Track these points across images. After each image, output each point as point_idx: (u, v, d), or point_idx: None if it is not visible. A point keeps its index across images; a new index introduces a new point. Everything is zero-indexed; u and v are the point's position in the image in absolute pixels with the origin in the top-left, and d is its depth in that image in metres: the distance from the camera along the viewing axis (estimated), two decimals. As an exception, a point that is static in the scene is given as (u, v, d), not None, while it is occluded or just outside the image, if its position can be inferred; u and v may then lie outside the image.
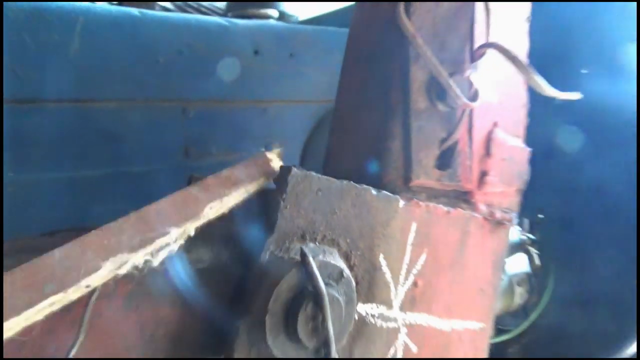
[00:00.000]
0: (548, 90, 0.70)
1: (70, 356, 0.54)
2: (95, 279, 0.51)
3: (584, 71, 1.47)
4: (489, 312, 0.91)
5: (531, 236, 1.90)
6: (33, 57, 1.04)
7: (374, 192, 0.71)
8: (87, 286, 0.50)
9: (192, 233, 0.58)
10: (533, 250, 1.93)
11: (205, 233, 0.68)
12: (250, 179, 0.63)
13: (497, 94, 0.85)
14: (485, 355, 0.92)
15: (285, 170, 0.63)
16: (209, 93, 1.29)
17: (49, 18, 1.05)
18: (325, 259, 0.64)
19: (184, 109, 1.25)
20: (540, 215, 1.86)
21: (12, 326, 0.46)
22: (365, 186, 0.70)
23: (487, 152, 0.84)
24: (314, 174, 0.65)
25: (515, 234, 1.91)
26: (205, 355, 0.64)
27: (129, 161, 1.16)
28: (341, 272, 0.65)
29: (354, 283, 0.68)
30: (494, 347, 1.98)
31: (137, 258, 0.53)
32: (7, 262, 0.53)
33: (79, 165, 1.10)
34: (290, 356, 0.62)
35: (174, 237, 0.56)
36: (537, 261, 1.89)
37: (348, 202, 0.68)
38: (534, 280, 1.86)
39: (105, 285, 0.58)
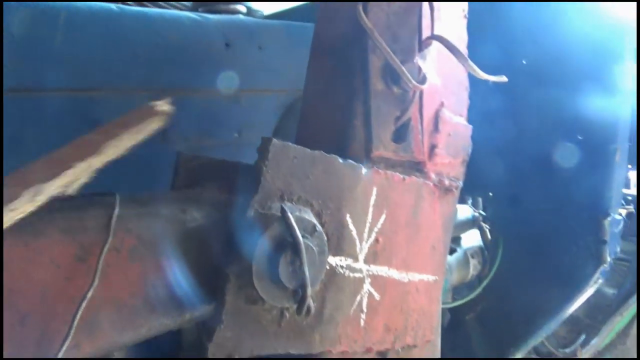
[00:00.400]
0: (481, 74, 0.84)
1: (87, 298, 0.64)
2: (19, 203, 0.60)
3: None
4: (441, 267, 1.06)
5: (483, 213, 2.09)
6: (18, 50, 1.10)
7: (340, 160, 0.83)
8: (15, 209, 0.59)
9: (98, 166, 0.67)
10: (485, 226, 2.12)
11: (199, 200, 0.80)
12: (141, 121, 0.72)
13: (442, 79, 0.99)
14: (439, 305, 1.07)
15: (266, 140, 0.75)
16: (185, 83, 1.38)
17: (34, 14, 1.12)
18: (301, 215, 0.77)
19: (160, 98, 1.33)
20: (490, 194, 2.04)
21: None
22: (333, 155, 0.83)
23: (436, 128, 0.99)
24: (290, 144, 0.77)
25: (469, 211, 2.09)
26: (196, 300, 0.75)
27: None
28: (314, 227, 0.78)
29: (325, 237, 0.81)
30: (452, 314, 2.17)
31: (51, 188, 0.63)
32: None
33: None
34: (275, 297, 0.74)
35: (79, 171, 0.65)
36: (488, 235, 2.08)
37: (319, 168, 0.80)
38: (486, 253, 2.05)
39: (113, 241, 0.68)
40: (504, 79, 0.88)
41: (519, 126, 1.68)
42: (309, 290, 0.74)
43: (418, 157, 0.96)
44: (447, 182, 1.02)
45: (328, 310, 0.85)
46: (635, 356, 2.01)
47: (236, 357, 0.75)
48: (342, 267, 0.86)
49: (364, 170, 0.86)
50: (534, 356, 2.13)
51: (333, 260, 0.85)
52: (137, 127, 0.72)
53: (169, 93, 1.38)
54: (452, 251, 1.75)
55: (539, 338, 1.92)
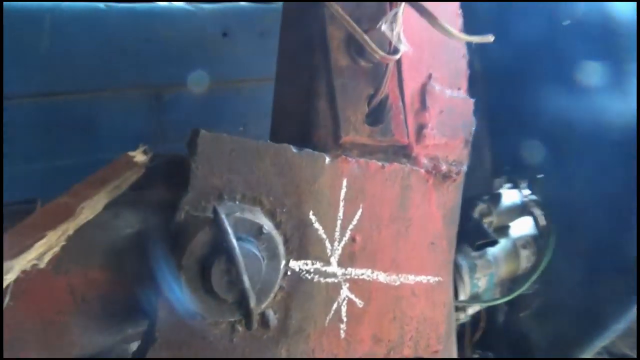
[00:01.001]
0: (458, 35, 0.69)
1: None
2: None
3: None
4: (445, 266, 0.91)
5: (533, 197, 1.86)
6: (6, 56, 1.10)
7: (294, 150, 0.72)
8: None
9: (70, 232, 0.62)
10: (537, 211, 1.89)
11: (137, 202, 0.72)
12: (117, 176, 0.67)
13: (428, 47, 0.84)
14: (447, 309, 0.93)
15: (194, 132, 0.65)
16: (180, 78, 1.33)
17: (18, 17, 1.11)
18: (243, 215, 0.67)
19: (157, 95, 1.30)
20: (539, 175, 1.81)
21: None
22: (285, 145, 0.72)
23: (423, 105, 0.84)
24: (225, 135, 0.67)
25: (517, 196, 1.87)
26: (135, 315, 0.68)
27: (106, 149, 1.21)
28: (260, 228, 0.67)
29: (278, 239, 0.70)
30: (504, 315, 1.96)
31: (22, 263, 0.58)
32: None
33: (54, 156, 1.16)
34: (211, 310, 0.65)
35: (54, 239, 0.61)
36: (542, 222, 1.85)
37: (266, 161, 0.70)
38: (540, 242, 1.82)
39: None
40: (489, 38, 0.71)
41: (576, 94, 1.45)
42: (252, 301, 0.64)
43: (401, 140, 0.82)
44: (444, 167, 0.87)
45: (295, 321, 0.75)
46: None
47: (177, 378, 0.67)
48: (308, 272, 0.75)
49: (327, 159, 0.75)
50: (605, 357, 1.87)
51: (296, 264, 0.74)
52: (114, 183, 0.66)
53: (165, 90, 1.34)
54: (493, 243, 1.56)
55: (608, 337, 1.67)
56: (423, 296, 0.87)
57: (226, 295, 0.63)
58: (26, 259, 0.58)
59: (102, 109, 1.24)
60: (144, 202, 0.71)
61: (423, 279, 0.87)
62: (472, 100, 0.90)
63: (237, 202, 0.68)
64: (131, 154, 0.71)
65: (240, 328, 0.70)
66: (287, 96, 0.86)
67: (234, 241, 0.62)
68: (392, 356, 0.85)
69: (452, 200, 0.90)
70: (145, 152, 0.70)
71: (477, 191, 1.76)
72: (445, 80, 0.87)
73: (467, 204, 1.68)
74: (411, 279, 0.86)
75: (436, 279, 0.89)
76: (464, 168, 0.90)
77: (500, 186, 1.80)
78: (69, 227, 0.61)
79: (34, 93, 1.16)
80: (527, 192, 1.94)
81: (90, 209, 0.63)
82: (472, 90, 0.92)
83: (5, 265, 0.57)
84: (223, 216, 0.63)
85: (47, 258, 0.60)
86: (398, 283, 0.84)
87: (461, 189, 0.92)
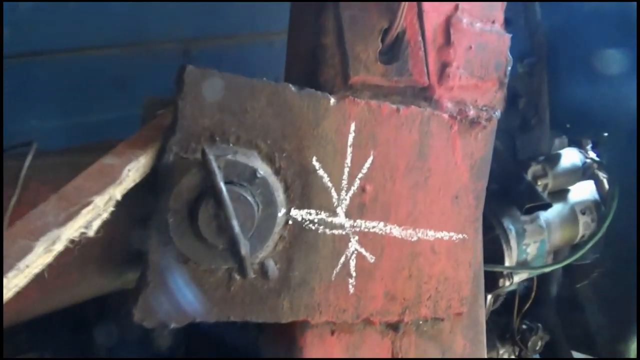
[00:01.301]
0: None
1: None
2: (31, 259, 0.51)
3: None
4: (471, 222, 0.83)
5: (596, 158, 1.69)
6: (34, 12, 1.12)
7: (293, 89, 0.66)
8: (27, 266, 0.51)
9: (118, 197, 0.58)
10: (601, 175, 1.72)
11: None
12: (156, 135, 0.63)
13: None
14: (473, 270, 0.85)
15: (180, 69, 0.61)
16: (210, 30, 1.29)
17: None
18: (235, 158, 0.62)
19: (185, 49, 1.28)
20: (604, 134, 1.64)
21: None
22: (283, 83, 0.66)
23: (447, 40, 0.74)
24: (215, 71, 0.63)
25: (578, 156, 1.71)
26: (135, 259, 0.67)
27: (138, 103, 1.22)
28: (254, 172, 0.63)
29: (276, 185, 0.66)
30: (558, 285, 1.83)
31: (69, 232, 0.54)
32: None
33: (87, 111, 1.18)
34: (201, 256, 0.62)
35: (101, 205, 0.56)
36: (605, 186, 1.69)
37: (262, 100, 0.65)
38: (603, 208, 1.66)
39: (25, 194, 0.62)
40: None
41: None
42: (244, 248, 0.60)
43: (419, 80, 0.73)
44: (472, 112, 0.78)
45: (298, 273, 0.71)
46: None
47: (172, 324, 0.65)
48: (312, 222, 0.70)
49: (332, 101, 0.68)
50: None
51: (299, 213, 0.69)
52: (154, 144, 0.63)
53: (194, 43, 1.32)
54: (545, 207, 1.43)
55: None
56: (444, 254, 0.80)
57: (216, 241, 0.60)
58: (73, 227, 0.53)
59: (132, 63, 1.24)
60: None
61: (444, 235, 0.80)
62: (508, 36, 0.79)
63: (231, 145, 0.64)
64: (163, 111, 0.67)
65: (237, 277, 0.67)
66: (297, 35, 0.79)
67: (222, 183, 0.58)
68: (407, 315, 0.79)
69: (482, 150, 0.80)
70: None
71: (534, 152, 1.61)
72: (476, 11, 0.76)
73: (520, 165, 1.56)
74: (430, 234, 0.79)
75: (460, 236, 0.81)
76: (497, 114, 0.80)
77: (561, 146, 1.64)
78: (116, 192, 0.57)
79: (66, 49, 1.18)
80: (592, 154, 1.76)
81: (136, 171, 0.59)
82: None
83: (52, 234, 0.52)
84: (211, 157, 0.59)
85: (95, 226, 0.56)
86: (415, 239, 0.78)
87: (493, 138, 0.82)
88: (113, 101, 1.23)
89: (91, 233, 0.55)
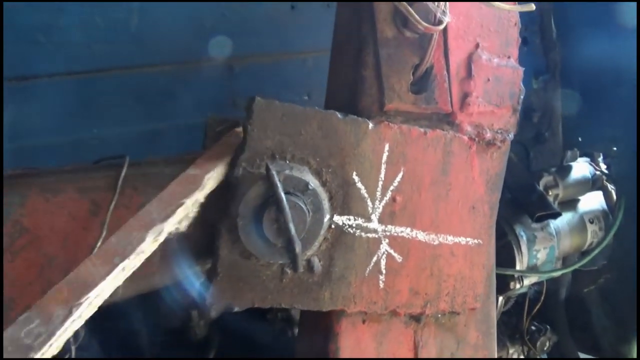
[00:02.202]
0: (499, 4, 0.71)
1: (97, 247, 0.74)
2: (145, 246, 0.66)
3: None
4: (486, 230, 0.95)
5: (605, 170, 1.79)
6: (102, 34, 1.27)
7: (339, 115, 0.80)
8: (142, 252, 0.66)
9: (202, 200, 0.73)
10: (609, 186, 1.82)
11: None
12: (231, 151, 0.76)
13: (477, 16, 0.86)
14: (487, 271, 0.97)
15: (250, 99, 0.75)
16: (251, 49, 1.43)
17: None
18: (291, 173, 0.76)
19: (229, 66, 1.42)
20: (614, 148, 1.74)
21: (98, 293, 0.61)
22: (330, 111, 0.79)
23: (469, 73, 0.87)
24: (277, 101, 0.76)
25: (588, 169, 1.81)
26: (204, 255, 0.80)
27: (187, 115, 1.37)
28: (306, 185, 0.77)
29: (323, 195, 0.79)
30: (567, 290, 1.93)
31: (169, 226, 0.69)
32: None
33: (142, 121, 1.33)
34: (263, 252, 0.76)
35: (190, 206, 0.71)
36: (613, 197, 1.79)
37: (314, 125, 0.78)
38: (609, 217, 1.76)
39: (120, 198, 0.77)
40: (532, 7, 0.73)
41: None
42: (298, 247, 0.74)
43: (444, 107, 0.86)
44: (488, 135, 0.90)
45: (338, 269, 0.84)
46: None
47: (236, 307, 0.79)
48: (351, 226, 0.84)
49: (370, 125, 0.81)
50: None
51: (340, 219, 0.83)
52: (229, 157, 0.77)
53: (237, 61, 1.46)
54: (555, 215, 1.54)
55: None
56: (461, 256, 0.93)
57: (276, 240, 0.74)
58: (172, 223, 0.69)
59: (182, 79, 1.38)
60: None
61: (462, 240, 0.92)
62: (521, 69, 0.91)
63: (287, 162, 0.78)
64: (238, 130, 0.81)
65: (289, 271, 0.81)
66: (339, 66, 0.93)
67: (283, 194, 0.72)
68: (428, 308, 0.92)
69: (496, 167, 0.93)
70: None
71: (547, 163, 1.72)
72: (495, 48, 0.89)
73: (533, 175, 1.67)
74: (450, 239, 0.91)
75: (476, 241, 0.94)
76: (510, 136, 0.93)
77: (573, 159, 1.75)
78: (200, 196, 0.73)
79: (125, 66, 1.33)
80: (602, 166, 1.86)
81: (214, 180, 0.74)
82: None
83: (157, 227, 0.67)
84: (274, 172, 0.73)
85: (185, 222, 0.71)
86: (437, 242, 0.90)
87: (506, 157, 0.94)
88: (163, 112, 1.38)
89: (182, 228, 0.69)
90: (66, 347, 0.78)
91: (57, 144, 1.30)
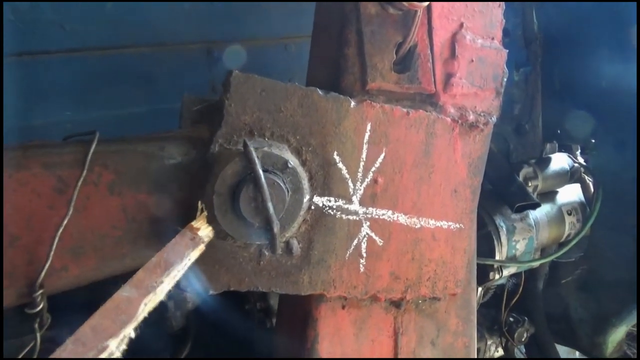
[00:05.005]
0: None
1: (63, 225, 0.70)
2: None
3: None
4: (467, 214, 0.94)
5: (583, 163, 1.81)
6: (76, 13, 1.22)
7: (320, 92, 0.77)
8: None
9: (132, 335, 0.60)
10: (587, 179, 1.83)
11: (179, 138, 0.81)
12: (181, 258, 0.66)
13: (461, -5, 0.85)
14: (468, 256, 0.96)
15: (228, 73, 0.72)
16: (231, 34, 1.40)
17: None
18: (270, 150, 0.73)
19: (208, 50, 1.38)
20: (592, 140, 1.75)
21: None
22: (311, 88, 0.77)
23: (452, 54, 0.86)
24: (256, 76, 0.73)
25: (566, 161, 1.83)
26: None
27: (163, 99, 1.32)
28: (286, 163, 0.74)
29: (303, 175, 0.77)
30: (544, 281, 1.94)
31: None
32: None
33: (120, 104, 1.28)
34: (239, 232, 0.73)
35: (114, 347, 0.58)
36: (591, 189, 1.80)
37: (294, 101, 0.76)
38: (587, 209, 1.78)
39: (89, 175, 0.73)
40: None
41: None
42: (276, 227, 0.71)
43: (427, 88, 0.84)
44: (471, 117, 0.89)
45: (317, 252, 0.82)
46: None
47: (211, 291, 0.76)
48: (331, 208, 0.81)
49: (352, 104, 0.79)
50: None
51: (320, 200, 0.80)
52: (176, 268, 0.67)
53: (216, 45, 1.42)
54: (534, 206, 1.54)
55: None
56: (443, 241, 0.92)
57: (253, 220, 0.71)
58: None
59: (160, 62, 1.34)
60: (186, 138, 0.80)
61: (444, 224, 0.91)
62: (505, 51, 0.90)
63: (266, 139, 0.75)
64: (195, 224, 0.70)
65: (267, 253, 0.78)
66: (321, 45, 0.90)
67: (261, 171, 0.69)
68: (409, 293, 0.90)
69: (479, 150, 0.92)
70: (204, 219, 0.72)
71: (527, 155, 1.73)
72: (479, 29, 0.88)
73: (513, 167, 1.67)
74: (432, 223, 0.90)
75: (457, 225, 0.93)
76: (493, 119, 0.92)
77: (552, 151, 1.76)
78: (130, 329, 0.60)
79: (100, 47, 1.28)
80: (581, 159, 1.88)
81: (152, 303, 0.64)
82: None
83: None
84: (252, 149, 0.70)
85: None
86: (418, 226, 0.89)
87: (489, 140, 0.93)
88: (141, 96, 1.33)
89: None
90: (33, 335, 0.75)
91: (25, 127, 1.24)
